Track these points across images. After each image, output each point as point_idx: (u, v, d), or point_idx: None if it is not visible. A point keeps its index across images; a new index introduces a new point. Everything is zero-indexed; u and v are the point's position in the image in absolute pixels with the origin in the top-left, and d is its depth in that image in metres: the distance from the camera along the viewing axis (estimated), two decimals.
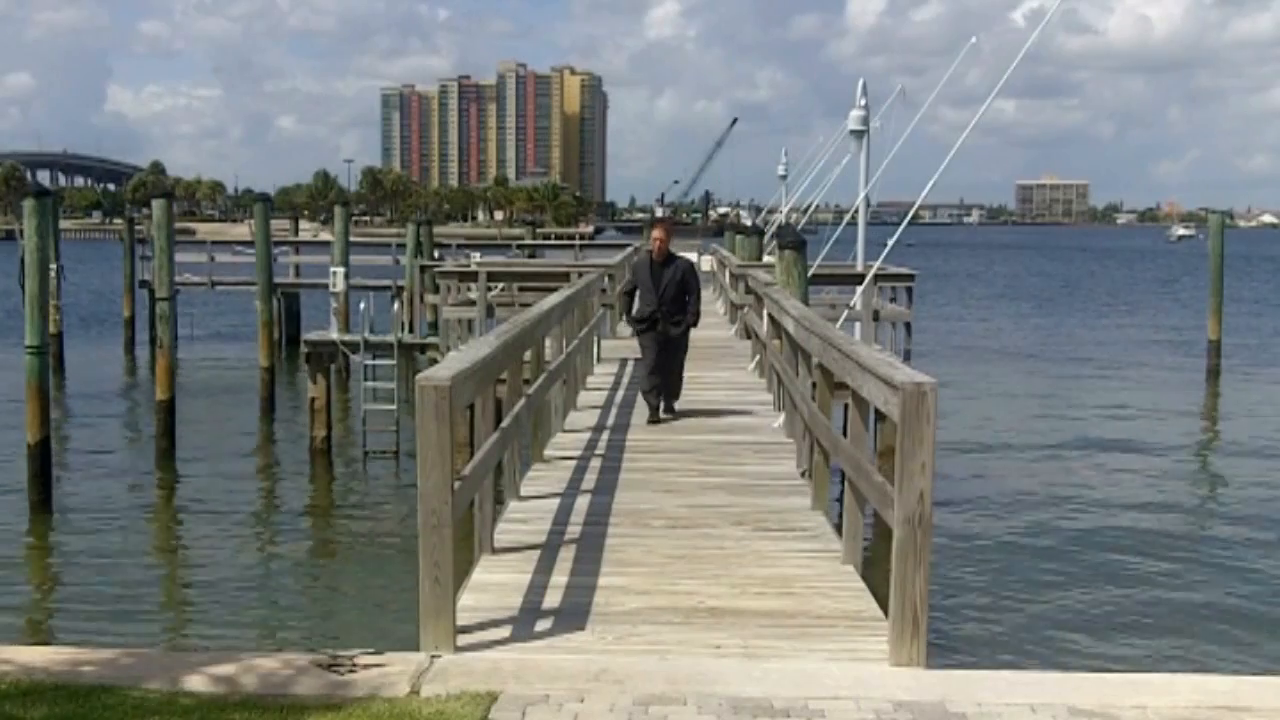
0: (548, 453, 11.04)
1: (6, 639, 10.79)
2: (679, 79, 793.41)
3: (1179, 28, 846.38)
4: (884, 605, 6.23)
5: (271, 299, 27.18)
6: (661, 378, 12.80)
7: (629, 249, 33.98)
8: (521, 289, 22.12)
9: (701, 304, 13.18)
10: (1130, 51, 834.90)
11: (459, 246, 43.31)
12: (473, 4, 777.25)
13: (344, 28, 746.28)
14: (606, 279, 20.51)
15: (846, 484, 7.58)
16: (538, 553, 7.79)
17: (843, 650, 6.09)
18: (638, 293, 12.77)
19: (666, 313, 12.65)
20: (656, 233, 12.88)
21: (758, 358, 16.63)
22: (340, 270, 23.72)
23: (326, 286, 24.34)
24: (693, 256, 41.32)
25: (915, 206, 20.64)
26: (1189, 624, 12.61)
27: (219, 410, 26.25)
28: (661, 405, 12.86)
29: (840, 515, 8.14)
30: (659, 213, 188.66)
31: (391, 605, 12.33)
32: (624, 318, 13.79)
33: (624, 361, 16.89)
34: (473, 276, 20.34)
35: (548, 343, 12.47)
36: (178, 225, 28.24)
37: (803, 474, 10.05)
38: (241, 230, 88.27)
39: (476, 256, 32.70)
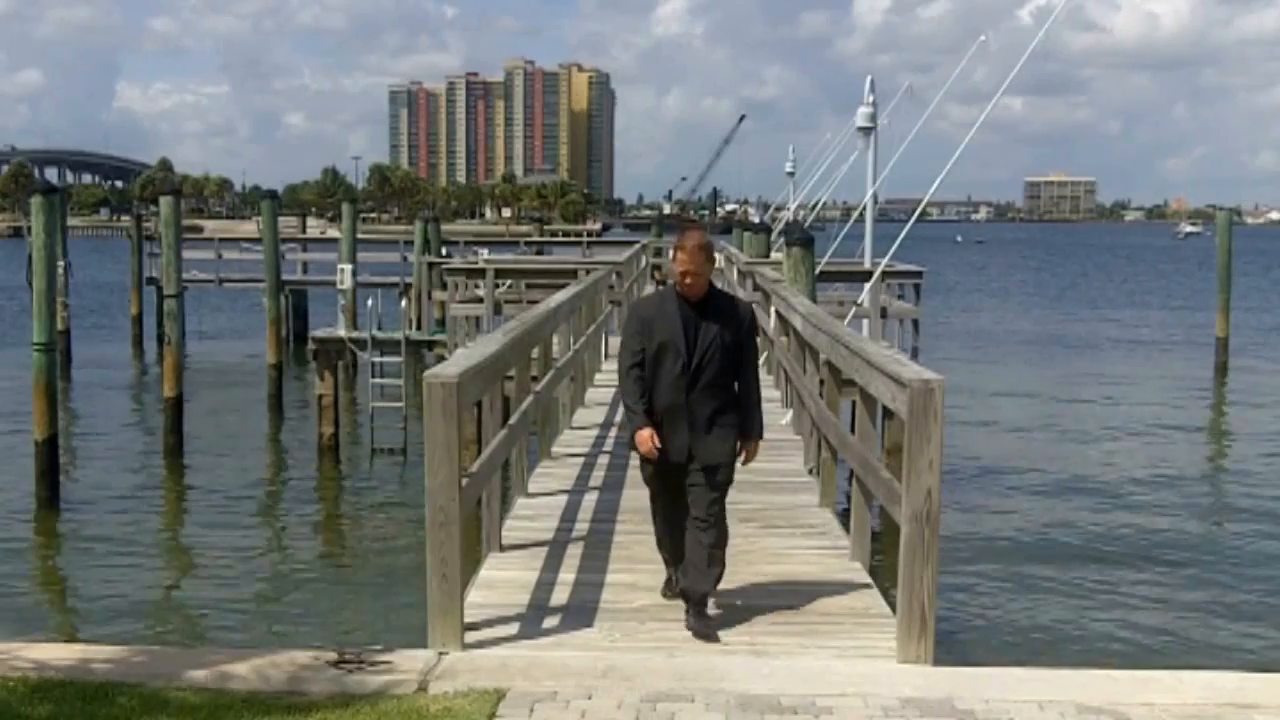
0: (555, 450, 11.04)
1: (15, 636, 10.81)
2: (687, 76, 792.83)
3: (1185, 24, 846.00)
4: (891, 602, 6.23)
5: (279, 296, 27.24)
6: (678, 531, 6.49)
7: (636, 246, 33.28)
8: (529, 286, 22.09)
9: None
10: (1137, 49, 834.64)
11: (467, 243, 43.30)
12: (481, 1, 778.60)
13: (352, 25, 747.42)
14: (614, 276, 20.49)
15: (854, 481, 7.56)
16: (545, 550, 7.79)
17: (850, 647, 6.09)
18: (656, 362, 6.34)
19: (702, 406, 6.30)
20: (682, 255, 6.23)
21: (765, 354, 16.60)
22: (348, 267, 23.79)
23: (334, 284, 24.37)
24: None
25: (923, 203, 20.59)
26: (1197, 621, 12.60)
27: (227, 407, 26.28)
28: (677, 578, 6.59)
29: (848, 512, 8.13)
30: (667, 209, 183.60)
31: (399, 602, 12.34)
32: (631, 413, 6.41)
33: None
34: (480, 273, 20.35)
35: (555, 340, 12.47)
36: (185, 222, 28.34)
37: (810, 471, 10.05)
38: (249, 227, 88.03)
39: (484, 253, 32.69)
